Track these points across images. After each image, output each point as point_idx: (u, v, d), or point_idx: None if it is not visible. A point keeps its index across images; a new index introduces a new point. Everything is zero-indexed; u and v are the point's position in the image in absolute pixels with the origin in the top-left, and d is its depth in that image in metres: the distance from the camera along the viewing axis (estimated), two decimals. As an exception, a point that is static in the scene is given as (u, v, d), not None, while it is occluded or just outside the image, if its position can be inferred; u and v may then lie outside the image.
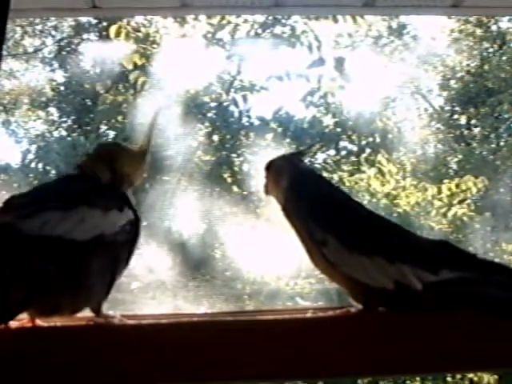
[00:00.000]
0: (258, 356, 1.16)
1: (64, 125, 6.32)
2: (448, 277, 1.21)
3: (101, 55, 5.83)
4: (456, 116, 7.12)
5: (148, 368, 1.16)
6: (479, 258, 1.27)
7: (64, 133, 6.18)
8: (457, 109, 7.11)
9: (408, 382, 5.26)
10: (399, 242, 1.27)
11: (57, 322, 1.23)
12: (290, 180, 1.39)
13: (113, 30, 5.00)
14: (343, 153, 5.62)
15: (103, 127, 5.93)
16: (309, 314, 1.29)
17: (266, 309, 1.38)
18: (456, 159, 6.66)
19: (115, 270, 1.26)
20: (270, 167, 1.45)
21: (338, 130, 5.50)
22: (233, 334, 1.18)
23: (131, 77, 5.27)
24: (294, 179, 1.38)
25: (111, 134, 5.81)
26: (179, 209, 4.66)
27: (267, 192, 1.45)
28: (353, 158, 5.57)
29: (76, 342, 1.18)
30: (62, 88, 6.41)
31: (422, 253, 1.25)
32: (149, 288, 4.17)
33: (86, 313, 1.27)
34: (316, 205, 1.32)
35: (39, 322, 1.24)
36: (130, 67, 5.21)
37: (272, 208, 1.42)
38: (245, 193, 5.05)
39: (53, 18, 6.18)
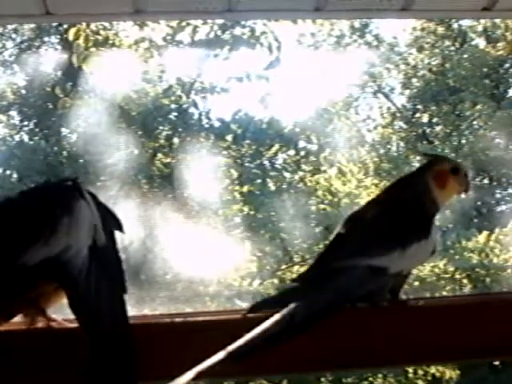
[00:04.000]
0: (197, 357, 1.17)
1: (25, 129, 6.28)
2: None
3: (60, 58, 5.80)
4: (418, 114, 7.16)
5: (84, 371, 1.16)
6: None
7: (25, 137, 6.14)
8: (419, 107, 7.15)
9: (370, 378, 5.32)
10: None
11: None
12: None
13: (71, 33, 4.98)
14: (303, 153, 5.63)
15: (64, 131, 5.89)
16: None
17: (203, 310, 1.38)
18: (418, 157, 6.69)
19: None
20: None
21: (297, 130, 5.51)
22: (172, 336, 1.19)
23: (90, 80, 5.26)
24: None
25: (73, 137, 5.78)
26: (120, 214, 4.64)
27: None
28: (312, 158, 5.59)
29: (18, 346, 1.18)
30: (23, 91, 6.36)
31: None
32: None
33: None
34: None
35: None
36: (89, 70, 5.18)
37: (212, 212, 1.43)
38: (186, 196, 5.04)
39: (13, 21, 6.13)
